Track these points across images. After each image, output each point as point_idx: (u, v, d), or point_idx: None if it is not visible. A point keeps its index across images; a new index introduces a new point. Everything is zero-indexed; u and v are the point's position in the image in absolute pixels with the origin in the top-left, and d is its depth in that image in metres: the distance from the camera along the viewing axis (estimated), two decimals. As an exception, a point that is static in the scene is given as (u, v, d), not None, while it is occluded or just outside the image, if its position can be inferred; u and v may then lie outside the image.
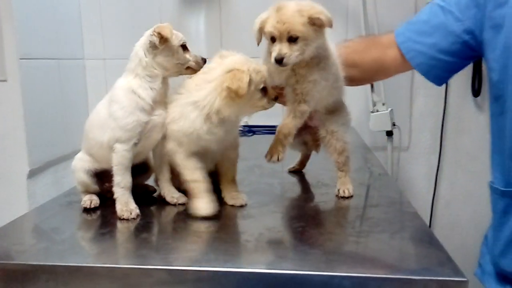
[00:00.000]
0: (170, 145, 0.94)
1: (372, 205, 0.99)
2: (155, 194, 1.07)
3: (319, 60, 0.96)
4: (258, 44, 0.97)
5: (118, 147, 0.91)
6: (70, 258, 0.73)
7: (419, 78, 1.25)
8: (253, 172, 1.20)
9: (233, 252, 0.75)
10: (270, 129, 1.68)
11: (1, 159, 1.68)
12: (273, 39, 0.91)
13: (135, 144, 0.92)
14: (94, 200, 0.98)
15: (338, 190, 1.04)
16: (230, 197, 0.98)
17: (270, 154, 0.97)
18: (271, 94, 0.93)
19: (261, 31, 0.94)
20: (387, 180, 1.21)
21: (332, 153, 1.05)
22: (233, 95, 0.85)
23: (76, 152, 2.01)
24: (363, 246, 0.77)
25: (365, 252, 0.76)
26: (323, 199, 1.05)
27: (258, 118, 1.07)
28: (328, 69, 0.98)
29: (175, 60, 0.96)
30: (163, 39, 0.93)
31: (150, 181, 1.10)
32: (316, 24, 0.91)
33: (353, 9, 1.90)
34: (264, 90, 0.92)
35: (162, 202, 1.01)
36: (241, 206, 0.96)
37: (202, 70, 0.97)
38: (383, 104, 1.75)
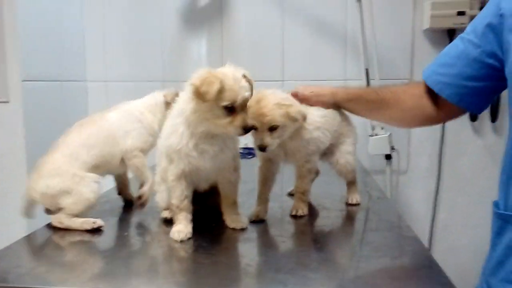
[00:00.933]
0: (163, 163, 0.95)
1: (372, 229, 0.99)
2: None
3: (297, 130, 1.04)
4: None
5: None
6: (71, 282, 0.73)
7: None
8: (253, 195, 1.20)
9: (234, 276, 0.76)
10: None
11: (1, 179, 1.68)
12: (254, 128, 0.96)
13: None
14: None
15: (347, 199, 1.19)
16: (231, 220, 0.98)
17: (296, 209, 1.09)
18: (241, 121, 0.88)
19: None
20: (386, 204, 1.22)
21: (341, 174, 1.18)
22: (198, 95, 0.85)
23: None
24: (364, 271, 0.78)
25: (366, 278, 0.76)
26: (324, 223, 1.05)
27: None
28: (302, 130, 1.04)
29: None
30: None
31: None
32: (292, 120, 0.99)
33: (352, 32, 1.93)
34: (230, 110, 0.87)
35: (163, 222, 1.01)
36: (242, 229, 0.96)
37: None
38: (382, 128, 1.77)
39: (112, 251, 0.88)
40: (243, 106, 0.89)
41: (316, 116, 1.07)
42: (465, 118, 1.94)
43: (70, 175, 1.01)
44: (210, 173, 0.97)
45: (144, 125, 1.18)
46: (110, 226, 1.03)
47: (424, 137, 1.98)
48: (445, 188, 2.00)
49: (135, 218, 1.11)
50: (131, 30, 2.05)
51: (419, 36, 1.95)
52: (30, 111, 1.67)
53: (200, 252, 0.86)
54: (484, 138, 1.96)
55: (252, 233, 0.96)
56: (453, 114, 1.09)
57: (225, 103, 0.86)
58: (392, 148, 1.80)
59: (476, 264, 1.20)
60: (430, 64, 1.07)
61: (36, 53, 1.72)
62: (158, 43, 2.05)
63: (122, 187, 1.23)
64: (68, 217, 1.00)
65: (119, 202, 1.21)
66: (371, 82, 1.78)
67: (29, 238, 0.95)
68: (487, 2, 1.79)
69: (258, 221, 1.03)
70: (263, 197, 1.07)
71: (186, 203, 0.92)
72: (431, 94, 1.05)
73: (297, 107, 1.00)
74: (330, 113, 1.12)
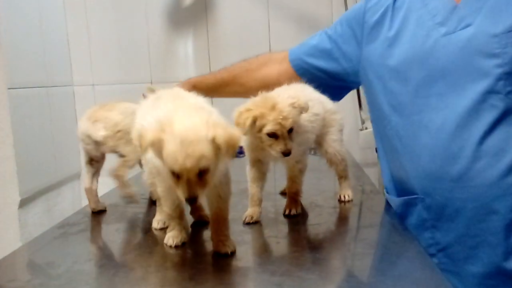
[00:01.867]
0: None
1: (366, 226, 1.00)
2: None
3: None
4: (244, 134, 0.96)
5: None
6: (66, 294, 0.73)
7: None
8: (245, 195, 1.20)
9: (230, 280, 0.76)
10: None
11: (-9, 189, 1.66)
12: (273, 135, 0.95)
13: None
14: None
15: (340, 195, 1.18)
16: (216, 243, 0.87)
17: (289, 209, 1.09)
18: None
19: (253, 125, 0.95)
20: (379, 199, 1.23)
21: (332, 164, 1.17)
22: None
23: (67, 180, 2.02)
24: (359, 269, 0.78)
25: (361, 276, 0.77)
26: (317, 221, 1.06)
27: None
28: (299, 129, 1.03)
29: None
30: None
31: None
32: (301, 112, 1.00)
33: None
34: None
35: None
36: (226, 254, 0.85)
37: None
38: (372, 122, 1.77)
39: (106, 260, 0.88)
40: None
41: (306, 119, 1.05)
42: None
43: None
44: None
45: None
46: (104, 234, 1.03)
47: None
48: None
49: (130, 224, 1.10)
50: (116, 32, 2.04)
51: (405, 28, 1.95)
52: (18, 119, 1.65)
53: (195, 257, 0.87)
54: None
55: (247, 235, 0.97)
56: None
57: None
58: (382, 141, 1.80)
59: None
60: (297, 48, 1.29)
61: (20, 60, 1.70)
62: (144, 45, 2.04)
63: None
64: (126, 171, 1.12)
65: (112, 209, 1.21)
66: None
67: (22, 250, 0.94)
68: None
69: (252, 222, 1.03)
70: (255, 198, 1.07)
71: (178, 211, 0.91)
72: (292, 71, 1.26)
73: (303, 100, 1.00)
74: (320, 110, 1.12)
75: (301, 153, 1.08)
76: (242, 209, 1.09)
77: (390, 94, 1.06)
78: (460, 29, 0.96)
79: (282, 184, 1.26)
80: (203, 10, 2.00)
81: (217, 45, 2.01)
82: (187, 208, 0.99)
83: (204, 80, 1.36)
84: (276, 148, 0.96)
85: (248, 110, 0.95)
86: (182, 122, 0.72)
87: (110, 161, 1.22)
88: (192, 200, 0.74)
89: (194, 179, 0.72)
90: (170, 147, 0.70)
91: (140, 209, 1.22)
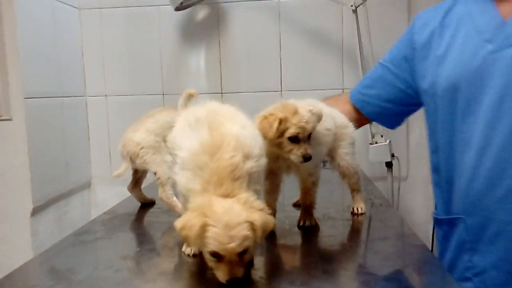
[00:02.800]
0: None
1: (380, 238, 1.01)
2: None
3: None
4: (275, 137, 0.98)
5: None
6: (90, 300, 0.74)
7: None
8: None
9: (249, 289, 0.77)
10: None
11: (4, 196, 1.68)
12: (295, 139, 0.98)
13: None
14: None
15: (352, 208, 1.20)
16: None
17: (303, 220, 1.10)
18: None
19: (278, 128, 0.97)
20: (391, 212, 1.24)
21: (344, 177, 1.19)
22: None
23: (77, 189, 2.04)
24: (376, 281, 0.79)
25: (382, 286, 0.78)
26: (331, 233, 1.07)
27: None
28: (313, 141, 1.04)
29: None
30: None
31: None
32: (317, 121, 1.03)
33: (348, 42, 1.97)
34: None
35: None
36: None
37: None
38: (382, 136, 1.80)
39: (125, 267, 0.89)
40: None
41: (319, 132, 1.07)
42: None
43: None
44: None
45: None
46: (120, 241, 1.04)
47: (422, 143, 2.00)
48: (444, 193, 2.03)
49: (146, 232, 1.12)
50: (129, 44, 2.07)
51: (414, 45, 1.98)
52: (32, 128, 1.68)
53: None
54: (481, 143, 1.99)
55: (263, 245, 0.98)
56: (367, 122, 1.36)
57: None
58: (393, 156, 1.82)
59: None
60: (357, 84, 1.31)
61: (36, 70, 1.73)
62: (157, 57, 2.07)
63: None
64: (170, 196, 1.19)
65: (127, 217, 1.23)
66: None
67: (42, 256, 0.96)
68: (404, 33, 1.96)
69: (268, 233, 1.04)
70: (270, 209, 1.09)
71: None
72: (354, 107, 1.28)
73: (319, 109, 1.03)
74: (332, 125, 1.13)
75: (313, 166, 1.10)
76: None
77: (439, 111, 1.06)
78: (508, 47, 0.94)
79: (293, 196, 1.27)
80: (215, 24, 2.03)
81: (229, 58, 2.04)
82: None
83: None
84: (297, 153, 0.98)
85: (272, 114, 0.97)
86: (221, 206, 0.74)
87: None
88: (234, 282, 0.75)
89: (236, 260, 0.74)
90: (213, 231, 0.72)
91: (155, 218, 1.24)
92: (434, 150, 1.12)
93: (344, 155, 1.18)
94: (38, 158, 1.71)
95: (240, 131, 0.82)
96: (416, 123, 1.97)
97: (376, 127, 1.80)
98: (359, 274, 0.83)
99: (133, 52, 2.07)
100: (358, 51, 1.80)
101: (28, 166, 1.66)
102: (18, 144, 1.65)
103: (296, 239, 1.06)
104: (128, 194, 1.55)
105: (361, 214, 1.18)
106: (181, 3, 1.84)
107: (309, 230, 1.09)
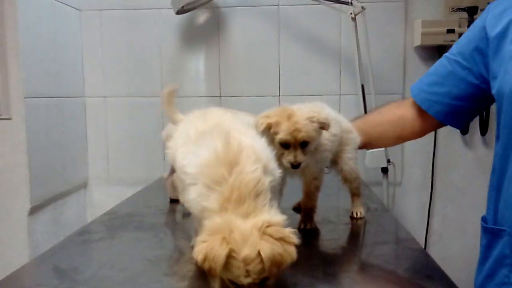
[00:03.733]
0: None
1: (380, 242, 1.03)
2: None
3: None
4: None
5: None
6: (97, 299, 0.75)
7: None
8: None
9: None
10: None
11: (3, 195, 1.68)
12: (285, 145, 0.98)
13: None
14: None
15: (352, 212, 1.21)
16: None
17: (303, 224, 1.12)
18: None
19: (266, 131, 0.97)
20: (389, 217, 1.26)
21: (346, 182, 1.19)
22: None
23: (74, 189, 2.04)
24: (379, 284, 0.81)
25: (381, 289, 0.80)
26: (332, 236, 1.09)
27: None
28: (319, 147, 1.06)
29: None
30: None
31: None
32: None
33: (346, 49, 1.99)
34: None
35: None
36: None
37: None
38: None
39: (130, 267, 0.90)
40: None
41: (326, 138, 1.08)
42: (456, 131, 2.01)
43: None
44: None
45: None
46: (123, 242, 1.05)
47: (417, 149, 2.04)
48: (437, 199, 2.06)
49: (148, 233, 1.12)
50: (129, 47, 2.08)
51: (411, 53, 2.02)
52: (32, 128, 1.68)
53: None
54: (475, 151, 2.03)
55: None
56: (433, 128, 1.19)
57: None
58: (388, 161, 1.85)
59: (467, 273, 1.25)
60: (418, 81, 1.14)
61: (37, 70, 1.74)
62: (157, 59, 2.08)
63: None
64: None
65: (128, 218, 1.23)
66: (367, 97, 1.84)
67: (46, 255, 0.96)
68: (475, 20, 1.87)
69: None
70: None
71: None
72: (416, 110, 1.13)
73: (324, 114, 1.02)
74: (338, 130, 1.14)
75: (318, 171, 1.11)
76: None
77: (502, 114, 0.94)
78: None
79: (292, 199, 1.29)
80: (215, 28, 2.05)
81: (228, 63, 2.06)
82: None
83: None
84: (286, 158, 0.98)
85: (266, 116, 0.98)
86: (240, 233, 0.68)
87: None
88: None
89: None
90: (232, 264, 0.68)
91: (158, 219, 1.25)
92: (495, 152, 1.00)
93: (347, 159, 1.18)
94: (37, 157, 1.71)
95: (254, 143, 0.79)
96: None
97: (373, 133, 1.83)
98: (362, 277, 0.85)
99: (133, 54, 2.08)
100: (356, 58, 1.83)
101: (27, 165, 1.66)
102: (18, 143, 1.65)
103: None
104: (127, 195, 1.56)
105: (360, 218, 1.20)
106: (182, 6, 1.86)
107: (309, 233, 1.10)
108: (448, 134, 2.01)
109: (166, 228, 1.21)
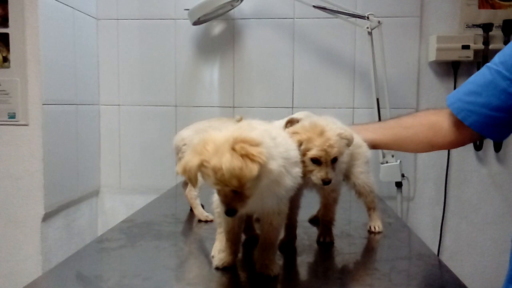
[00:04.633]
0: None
1: (402, 257, 1.03)
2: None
3: None
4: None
5: None
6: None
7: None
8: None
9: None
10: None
11: (16, 201, 1.69)
12: (317, 161, 0.97)
13: None
14: None
15: (370, 226, 1.22)
16: (261, 265, 0.90)
17: (323, 237, 1.12)
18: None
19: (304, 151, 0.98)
20: (406, 231, 1.26)
21: (360, 196, 1.19)
22: None
23: (86, 196, 2.04)
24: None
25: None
26: (351, 250, 1.08)
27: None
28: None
29: None
30: None
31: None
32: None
33: (360, 63, 2.01)
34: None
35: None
36: (270, 277, 0.89)
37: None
38: (392, 156, 1.82)
39: (153, 276, 0.90)
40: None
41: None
42: (469, 147, 2.01)
43: None
44: (252, 212, 0.98)
45: None
46: (143, 250, 1.05)
47: (430, 164, 2.04)
48: (450, 215, 2.05)
49: (168, 241, 1.12)
50: (144, 56, 2.10)
51: (425, 68, 2.03)
52: (48, 134, 1.69)
53: (242, 277, 0.89)
54: (488, 167, 2.02)
55: (286, 260, 0.99)
56: (469, 139, 1.14)
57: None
58: (403, 176, 1.85)
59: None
60: (455, 91, 1.11)
61: (55, 77, 1.75)
62: (171, 69, 2.10)
63: None
64: (194, 197, 1.31)
65: (146, 226, 1.23)
66: (382, 111, 1.84)
67: (67, 262, 0.96)
68: (490, 37, 1.88)
69: (289, 248, 1.06)
70: (291, 224, 1.10)
71: (232, 235, 0.93)
72: (452, 120, 1.10)
73: (350, 132, 1.03)
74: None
75: (337, 183, 1.11)
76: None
77: None
78: None
79: (308, 212, 1.29)
80: (230, 39, 2.07)
81: (242, 74, 2.07)
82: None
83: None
84: (317, 175, 0.98)
85: (295, 133, 0.98)
86: (213, 142, 0.76)
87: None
88: (229, 211, 0.79)
89: (230, 195, 0.78)
90: (205, 172, 0.76)
91: (176, 228, 1.25)
92: None
93: (359, 174, 1.19)
94: (52, 164, 1.72)
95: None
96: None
97: (387, 147, 1.83)
98: (386, 292, 0.85)
99: (148, 63, 2.10)
100: (371, 72, 1.84)
101: (42, 171, 1.67)
102: (34, 149, 1.66)
103: (317, 255, 1.07)
104: (138, 203, 1.56)
105: (378, 232, 1.20)
106: (199, 18, 1.88)
107: (328, 246, 1.10)
108: (462, 149, 2.01)
109: (184, 237, 1.21)
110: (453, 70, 1.98)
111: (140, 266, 0.94)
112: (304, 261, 1.01)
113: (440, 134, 1.14)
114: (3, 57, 1.64)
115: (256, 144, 0.76)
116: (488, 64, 1.03)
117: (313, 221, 1.30)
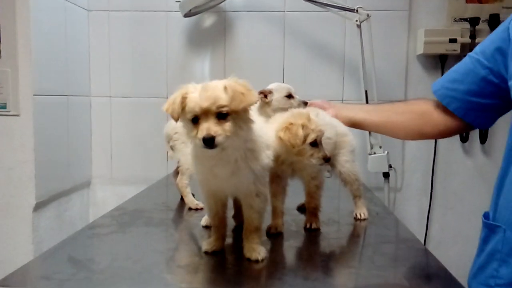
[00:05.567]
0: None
1: (384, 242, 1.06)
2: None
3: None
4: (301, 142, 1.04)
5: None
6: (114, 287, 0.77)
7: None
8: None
9: (266, 283, 0.81)
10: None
11: (7, 191, 1.70)
12: (314, 143, 1.04)
13: None
14: None
15: (355, 213, 1.26)
16: (247, 249, 0.93)
17: (309, 223, 1.15)
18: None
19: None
20: (391, 218, 1.29)
21: (346, 184, 1.24)
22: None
23: (78, 187, 2.05)
24: (384, 279, 0.84)
25: (388, 286, 0.82)
26: (337, 235, 1.12)
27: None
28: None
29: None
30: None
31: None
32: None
33: (349, 55, 2.04)
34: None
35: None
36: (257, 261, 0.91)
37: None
38: (380, 147, 1.86)
39: (143, 259, 0.92)
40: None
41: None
42: (456, 139, 2.05)
43: None
44: (231, 195, 0.99)
45: None
46: (134, 236, 1.07)
47: (417, 156, 2.08)
48: (437, 206, 2.10)
49: (158, 228, 1.15)
50: (135, 48, 2.11)
51: (413, 61, 2.06)
52: (39, 125, 1.70)
53: (230, 261, 0.92)
54: (474, 159, 2.07)
55: (273, 244, 1.02)
56: (457, 128, 1.16)
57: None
58: (390, 167, 1.88)
59: (464, 279, 1.27)
60: (439, 79, 1.16)
61: (46, 68, 1.76)
62: (163, 61, 2.11)
63: None
64: (185, 186, 1.33)
65: (137, 214, 1.25)
66: (370, 102, 1.87)
67: (60, 247, 0.98)
68: (477, 31, 1.90)
69: (276, 233, 1.09)
70: (278, 211, 1.13)
71: (217, 219, 0.96)
72: (440, 109, 1.14)
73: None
74: (333, 134, 1.18)
75: (316, 170, 1.13)
76: (264, 222, 1.14)
77: None
78: None
79: (297, 200, 1.32)
80: (222, 32, 2.09)
81: (233, 66, 2.09)
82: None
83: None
84: (318, 155, 1.03)
85: (292, 124, 1.02)
86: (205, 84, 0.84)
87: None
88: (208, 140, 0.79)
89: (213, 120, 0.80)
90: (191, 96, 0.82)
91: (167, 215, 1.27)
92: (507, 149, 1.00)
93: (344, 162, 1.23)
94: (43, 154, 1.73)
95: None
96: (413, 137, 2.04)
97: (375, 137, 1.86)
98: (369, 272, 0.87)
99: (139, 55, 2.11)
100: (360, 65, 1.87)
101: (33, 162, 1.68)
102: (25, 140, 1.67)
103: (304, 240, 1.10)
104: (129, 194, 1.58)
105: (364, 219, 1.23)
106: (190, 10, 1.89)
107: (315, 232, 1.13)
108: (448, 141, 2.05)
109: (174, 223, 1.24)
110: (440, 63, 2.02)
111: (130, 250, 0.97)
112: (291, 245, 1.04)
113: (430, 124, 1.17)
114: (-6, 47, 1.64)
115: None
116: (469, 53, 1.08)
117: (301, 209, 1.32)
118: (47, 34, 1.76)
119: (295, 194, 1.20)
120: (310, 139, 1.02)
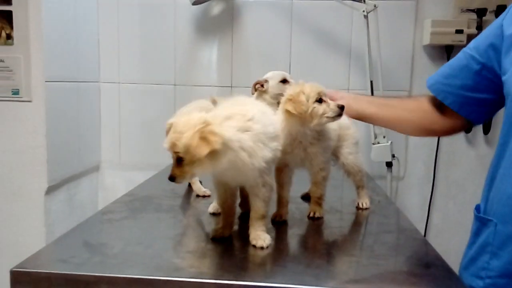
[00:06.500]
0: None
1: (386, 231, 1.10)
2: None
3: (318, 135, 1.14)
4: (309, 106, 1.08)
5: None
6: (127, 271, 0.82)
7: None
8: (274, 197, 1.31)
9: (270, 269, 0.85)
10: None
11: (20, 175, 1.75)
12: (320, 100, 1.07)
13: None
14: None
15: (358, 203, 1.30)
16: (253, 237, 0.97)
17: (313, 212, 1.18)
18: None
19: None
20: (392, 208, 1.33)
21: (349, 175, 1.28)
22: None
23: (87, 171, 2.11)
24: (384, 268, 0.88)
25: (386, 274, 0.87)
26: (339, 224, 1.16)
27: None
28: (326, 134, 1.15)
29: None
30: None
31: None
32: None
33: (356, 45, 2.05)
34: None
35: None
36: (262, 248, 0.95)
37: None
38: (384, 137, 1.89)
39: (155, 244, 0.96)
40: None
41: (329, 128, 1.16)
42: (459, 129, 2.07)
43: None
44: (237, 185, 1.03)
45: None
46: (145, 221, 1.12)
47: (421, 145, 2.11)
48: (438, 195, 2.13)
49: (168, 214, 1.19)
50: (144, 35, 2.13)
51: (419, 51, 2.07)
52: (51, 111, 1.74)
53: (235, 250, 0.97)
54: (477, 149, 2.09)
55: (277, 232, 1.06)
56: (457, 125, 1.17)
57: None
58: (393, 156, 1.91)
59: None
60: (434, 74, 1.17)
61: (57, 54, 1.79)
62: (171, 48, 2.14)
63: None
64: None
65: (147, 200, 1.30)
66: (375, 93, 1.90)
67: (74, 232, 1.03)
68: (484, 22, 1.91)
69: (281, 222, 1.13)
70: (283, 200, 1.17)
71: (226, 207, 1.01)
72: (436, 104, 1.15)
73: None
74: (336, 126, 1.20)
75: (325, 161, 1.18)
76: (270, 209, 1.18)
77: (507, 110, 0.97)
78: None
79: (301, 189, 1.36)
80: (229, 19, 2.10)
81: (241, 54, 2.11)
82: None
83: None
84: (332, 107, 1.07)
85: (291, 94, 1.07)
86: (187, 118, 0.88)
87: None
88: (170, 178, 0.89)
89: (174, 162, 0.88)
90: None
91: (175, 202, 1.32)
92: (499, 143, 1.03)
93: (347, 154, 1.26)
94: (55, 139, 1.78)
95: None
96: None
97: (379, 128, 1.89)
98: (369, 261, 0.92)
99: (148, 42, 2.14)
100: (366, 55, 1.88)
101: (45, 146, 1.73)
102: (37, 125, 1.72)
103: (308, 228, 1.14)
104: (137, 179, 1.62)
105: (366, 208, 1.27)
106: (199, -3, 1.91)
107: (318, 220, 1.17)
108: (452, 132, 2.07)
109: (183, 210, 1.28)
110: (446, 53, 2.03)
111: (142, 236, 1.02)
112: (294, 233, 1.09)
113: (436, 122, 1.18)
114: (7, 34, 1.68)
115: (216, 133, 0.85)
116: (464, 49, 1.10)
117: (305, 197, 1.37)
118: (58, 21, 1.79)
119: (299, 182, 1.24)
120: (313, 97, 1.05)
